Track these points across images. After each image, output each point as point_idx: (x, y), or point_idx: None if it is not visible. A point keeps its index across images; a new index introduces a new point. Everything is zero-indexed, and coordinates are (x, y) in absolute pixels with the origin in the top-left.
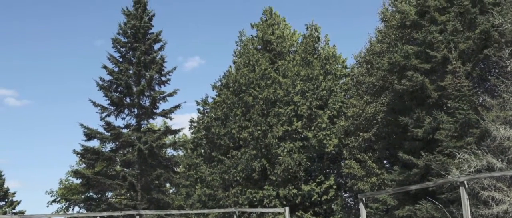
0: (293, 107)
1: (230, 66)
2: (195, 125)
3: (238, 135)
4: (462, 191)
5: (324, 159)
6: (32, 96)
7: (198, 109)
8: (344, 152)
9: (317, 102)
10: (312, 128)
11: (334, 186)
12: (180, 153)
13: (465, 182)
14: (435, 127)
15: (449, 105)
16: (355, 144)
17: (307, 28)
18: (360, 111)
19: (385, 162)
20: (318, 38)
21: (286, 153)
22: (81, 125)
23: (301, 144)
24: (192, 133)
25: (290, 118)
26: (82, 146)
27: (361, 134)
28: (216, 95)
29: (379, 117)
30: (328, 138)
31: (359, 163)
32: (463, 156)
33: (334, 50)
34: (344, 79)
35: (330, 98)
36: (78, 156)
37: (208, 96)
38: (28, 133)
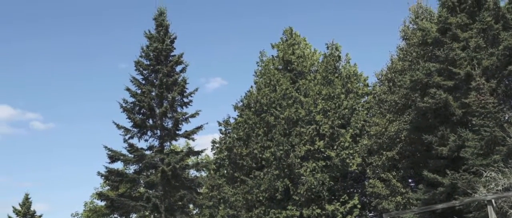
0: (315, 127)
1: (251, 87)
2: (217, 145)
3: (261, 155)
4: (490, 210)
5: (347, 178)
6: (57, 119)
7: (220, 130)
8: (368, 170)
9: (339, 121)
10: (335, 147)
11: (358, 206)
12: (203, 174)
13: (493, 200)
14: (460, 145)
15: (474, 122)
16: (378, 163)
17: (327, 47)
18: (383, 129)
19: (409, 180)
20: (339, 57)
21: (309, 172)
22: (105, 147)
23: (324, 163)
24: (214, 154)
25: (312, 137)
26: (106, 168)
27: (384, 152)
28: (237, 115)
29: (402, 135)
30: (351, 157)
31: (383, 182)
32: (490, 174)
33: (355, 69)
34: (366, 97)
35: (352, 117)
36: (103, 178)
37: (229, 117)
38: (54, 156)
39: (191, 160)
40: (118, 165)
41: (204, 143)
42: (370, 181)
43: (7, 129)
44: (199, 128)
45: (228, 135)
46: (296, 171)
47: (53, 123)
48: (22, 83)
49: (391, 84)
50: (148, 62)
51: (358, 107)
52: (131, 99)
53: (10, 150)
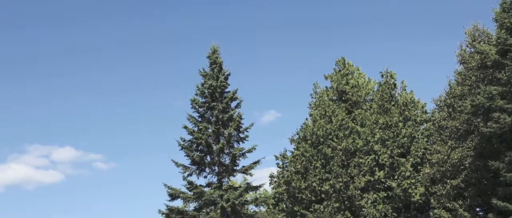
0: (373, 157)
1: (306, 119)
2: (275, 179)
3: (319, 188)
4: None
5: (410, 208)
6: (118, 159)
7: (277, 163)
8: (432, 200)
9: (399, 150)
10: (396, 177)
11: None
12: (262, 209)
13: None
14: None
15: None
16: (443, 192)
17: (382, 76)
18: (446, 157)
19: (477, 209)
20: (394, 85)
21: (370, 204)
22: (165, 185)
23: (385, 194)
24: (272, 188)
25: (371, 168)
26: (167, 206)
27: (448, 181)
28: (294, 148)
29: (466, 162)
30: (413, 187)
31: (449, 212)
32: None
33: (412, 96)
34: (425, 124)
35: (412, 145)
36: (163, 216)
37: (286, 150)
38: (116, 195)
39: (250, 195)
40: (178, 203)
41: (262, 177)
42: (435, 211)
43: (71, 170)
44: (256, 162)
45: (286, 168)
46: (357, 203)
47: (114, 162)
48: (84, 125)
49: (450, 110)
50: (203, 100)
51: (418, 135)
52: (189, 137)
53: (74, 190)
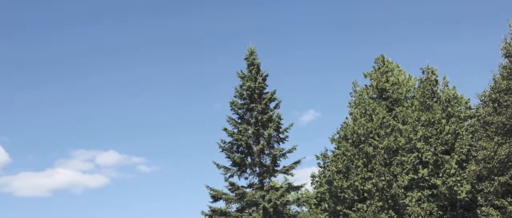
0: (417, 155)
1: (347, 118)
2: (316, 179)
3: (362, 187)
4: None
5: (456, 206)
6: (160, 162)
7: (318, 163)
8: (479, 198)
9: (443, 148)
10: (440, 175)
11: None
12: (304, 209)
13: None
14: None
15: None
16: (490, 189)
17: (423, 72)
18: (492, 153)
19: None
20: (436, 81)
21: (414, 202)
22: (207, 186)
23: (430, 192)
24: (314, 188)
25: (414, 166)
26: (209, 207)
27: (496, 177)
28: (335, 148)
29: None
30: (459, 184)
31: (498, 210)
32: None
33: (455, 92)
34: (469, 121)
35: (457, 142)
36: (207, 217)
37: (327, 150)
38: (159, 197)
39: (292, 196)
40: (221, 204)
41: (302, 177)
42: (483, 209)
43: (115, 173)
44: (297, 162)
45: (327, 168)
46: (401, 201)
47: (157, 166)
48: (125, 128)
49: (496, 105)
50: (242, 102)
51: (462, 131)
52: (229, 139)
53: (119, 193)
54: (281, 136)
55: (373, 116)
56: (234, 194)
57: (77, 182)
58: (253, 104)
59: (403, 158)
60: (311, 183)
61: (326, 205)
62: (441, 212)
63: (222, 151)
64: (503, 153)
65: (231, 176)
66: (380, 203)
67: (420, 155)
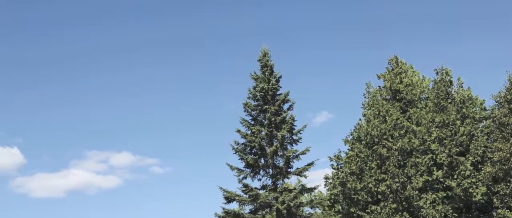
0: (431, 156)
1: (360, 119)
2: (330, 181)
3: (376, 189)
4: None
5: (472, 209)
6: (173, 163)
7: (332, 165)
8: (495, 200)
9: (457, 149)
10: (455, 177)
11: None
12: (318, 210)
13: None
14: None
15: None
16: (506, 191)
17: (437, 73)
18: (508, 155)
19: None
20: (451, 82)
21: (429, 204)
22: (221, 188)
23: (445, 194)
24: (328, 190)
25: (429, 167)
26: (223, 209)
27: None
28: (348, 149)
29: None
30: (474, 186)
31: None
32: None
33: (470, 93)
34: (485, 122)
35: (472, 144)
36: None
37: (340, 151)
38: (173, 198)
39: (305, 197)
40: (234, 206)
41: (316, 179)
42: (499, 211)
43: (129, 174)
44: (310, 164)
45: (340, 169)
46: (415, 203)
47: (170, 167)
48: (138, 129)
49: (511, 106)
50: (255, 103)
51: (477, 133)
52: (242, 140)
53: (133, 194)
54: (295, 137)
55: (387, 117)
56: (247, 196)
57: (91, 183)
58: (267, 106)
59: (417, 160)
60: (325, 185)
61: (340, 207)
62: (456, 215)
63: (235, 153)
64: None
65: (245, 177)
66: (394, 205)
67: (434, 157)
